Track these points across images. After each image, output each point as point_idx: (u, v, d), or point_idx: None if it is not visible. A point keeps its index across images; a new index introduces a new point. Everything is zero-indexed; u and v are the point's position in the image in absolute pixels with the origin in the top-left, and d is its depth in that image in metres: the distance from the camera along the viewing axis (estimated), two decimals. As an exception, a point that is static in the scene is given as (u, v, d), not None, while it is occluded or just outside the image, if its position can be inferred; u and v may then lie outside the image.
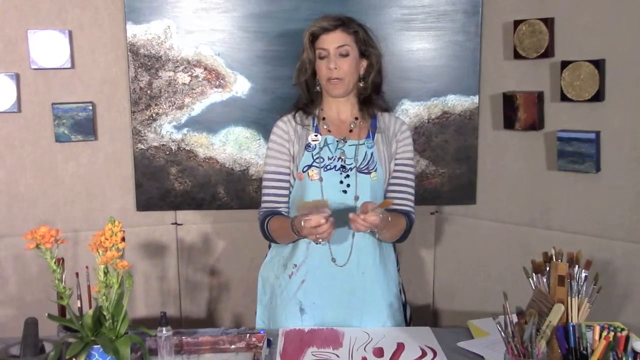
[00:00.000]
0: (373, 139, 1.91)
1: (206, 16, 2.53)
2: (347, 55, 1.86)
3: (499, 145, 2.60)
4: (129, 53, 2.53)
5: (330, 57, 1.85)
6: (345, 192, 1.85)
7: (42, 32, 2.47)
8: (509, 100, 2.50)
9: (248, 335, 1.68)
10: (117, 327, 1.42)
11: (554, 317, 1.43)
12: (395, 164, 1.93)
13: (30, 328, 1.54)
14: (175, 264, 2.75)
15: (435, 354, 1.63)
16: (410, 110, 2.61)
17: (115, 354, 1.38)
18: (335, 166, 1.87)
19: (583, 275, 1.47)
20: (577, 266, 1.48)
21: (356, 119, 1.94)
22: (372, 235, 1.86)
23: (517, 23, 2.44)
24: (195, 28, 2.53)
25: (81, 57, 2.54)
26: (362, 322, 1.86)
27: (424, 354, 1.63)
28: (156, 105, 2.57)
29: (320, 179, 1.86)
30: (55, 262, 1.39)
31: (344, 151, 1.88)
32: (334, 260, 1.86)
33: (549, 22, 2.36)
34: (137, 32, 2.51)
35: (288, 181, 1.92)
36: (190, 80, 2.57)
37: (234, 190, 2.65)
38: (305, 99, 1.96)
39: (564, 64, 2.33)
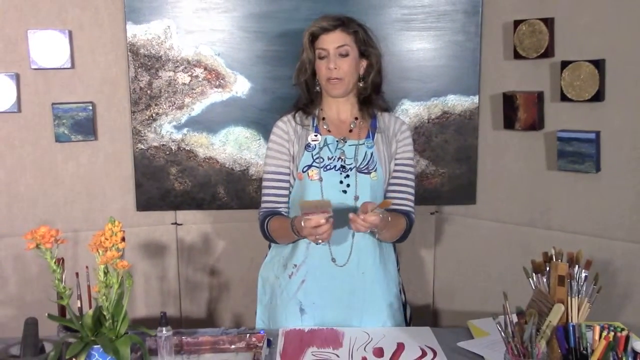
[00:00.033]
0: (373, 139, 1.91)
1: (206, 16, 2.53)
2: (346, 55, 1.86)
3: (499, 145, 2.60)
4: (129, 53, 2.53)
5: (330, 57, 1.85)
6: (345, 192, 1.85)
7: (42, 32, 2.47)
8: (509, 100, 2.50)
9: (248, 335, 1.68)
10: (117, 327, 1.42)
11: (554, 317, 1.43)
12: (395, 164, 1.93)
13: (30, 328, 1.54)
14: (175, 264, 2.75)
15: (435, 354, 1.63)
16: (410, 110, 2.61)
17: (115, 354, 1.38)
18: (335, 166, 1.87)
19: (583, 275, 1.47)
20: (577, 266, 1.48)
21: (356, 119, 1.94)
22: (372, 235, 1.86)
23: (517, 23, 2.44)
24: (195, 28, 2.53)
25: (81, 57, 2.54)
26: (362, 322, 1.86)
27: (424, 354, 1.63)
28: (156, 105, 2.57)
29: (320, 179, 1.86)
30: (55, 262, 1.39)
31: (343, 151, 1.88)
32: (334, 260, 1.86)
33: (549, 22, 2.36)
34: (137, 32, 2.51)
35: (288, 181, 1.92)
36: (190, 80, 2.57)
37: (234, 190, 2.65)
38: (305, 99, 1.96)
39: (564, 64, 2.33)
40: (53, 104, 2.52)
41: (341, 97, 1.92)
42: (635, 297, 2.28)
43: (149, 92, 2.56)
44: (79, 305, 1.78)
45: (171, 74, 2.56)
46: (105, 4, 2.53)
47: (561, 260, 1.51)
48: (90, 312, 1.43)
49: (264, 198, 1.94)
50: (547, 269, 1.52)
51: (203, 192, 2.64)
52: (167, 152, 2.60)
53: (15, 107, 2.49)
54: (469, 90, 2.59)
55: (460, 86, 2.59)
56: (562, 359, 1.42)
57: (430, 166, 2.66)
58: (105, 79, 2.58)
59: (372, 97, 1.94)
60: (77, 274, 1.77)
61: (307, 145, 1.90)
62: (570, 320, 1.45)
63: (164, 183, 2.62)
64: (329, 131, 1.92)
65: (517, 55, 2.46)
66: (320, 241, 1.71)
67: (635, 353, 1.34)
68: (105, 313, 1.41)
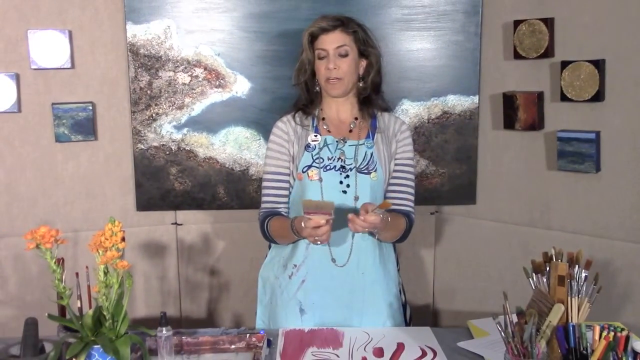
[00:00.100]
0: (373, 139, 1.91)
1: (206, 16, 2.53)
2: (346, 55, 1.86)
3: (498, 145, 2.60)
4: (129, 53, 2.53)
5: (329, 57, 1.85)
6: (345, 192, 1.85)
7: (42, 32, 2.47)
8: (509, 100, 2.49)
9: (248, 335, 1.68)
10: (117, 327, 1.42)
11: (554, 317, 1.43)
12: (395, 164, 1.93)
13: (30, 328, 1.54)
14: (175, 264, 2.75)
15: (435, 354, 1.63)
16: (410, 110, 2.61)
17: (115, 354, 1.38)
18: (335, 166, 1.87)
19: (583, 275, 1.47)
20: (577, 266, 1.48)
21: (356, 119, 1.94)
22: (371, 236, 1.86)
23: (517, 23, 2.44)
24: (195, 28, 2.54)
25: (81, 57, 2.54)
26: (362, 322, 1.86)
27: (424, 354, 1.63)
28: (156, 105, 2.57)
29: (320, 180, 1.86)
30: (55, 262, 1.39)
31: (343, 151, 1.88)
32: (333, 260, 1.86)
33: (549, 22, 2.36)
34: (137, 32, 2.51)
35: (288, 182, 1.92)
36: (190, 80, 2.57)
37: (234, 190, 2.65)
38: (305, 99, 1.95)
39: (564, 64, 2.33)
40: (53, 104, 2.52)
41: (341, 97, 1.92)
42: (635, 297, 2.28)
43: (149, 92, 2.56)
44: (79, 305, 1.77)
45: (171, 74, 2.56)
46: (105, 4, 2.53)
47: (561, 260, 1.51)
48: (90, 312, 1.43)
49: (264, 198, 1.94)
50: (547, 269, 1.52)
51: (203, 192, 2.64)
52: (167, 152, 2.60)
53: (15, 107, 2.49)
54: (469, 90, 2.59)
55: (460, 86, 2.59)
56: (562, 359, 1.42)
57: (430, 166, 2.66)
58: (105, 79, 2.58)
59: (372, 97, 1.94)
60: (77, 274, 1.77)
61: (307, 146, 1.90)
62: (570, 320, 1.45)
63: (164, 183, 2.62)
64: (328, 131, 1.92)
65: (517, 55, 2.46)
66: (319, 242, 1.71)
67: (635, 353, 1.34)
68: (105, 313, 1.41)
